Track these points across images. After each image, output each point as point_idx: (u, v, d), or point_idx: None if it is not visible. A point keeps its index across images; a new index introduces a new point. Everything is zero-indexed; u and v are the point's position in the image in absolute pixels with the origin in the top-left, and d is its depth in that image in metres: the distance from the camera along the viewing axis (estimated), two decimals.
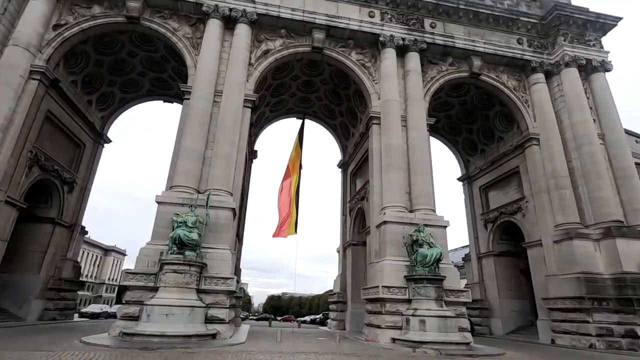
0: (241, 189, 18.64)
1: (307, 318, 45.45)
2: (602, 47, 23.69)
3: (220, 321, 13.82)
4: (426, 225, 16.87)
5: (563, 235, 19.19)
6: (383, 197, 18.40)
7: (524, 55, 23.13)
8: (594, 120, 21.75)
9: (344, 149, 28.07)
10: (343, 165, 27.63)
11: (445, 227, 17.77)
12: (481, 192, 27.40)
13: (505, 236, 25.77)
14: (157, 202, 15.45)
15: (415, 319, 14.45)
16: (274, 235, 23.03)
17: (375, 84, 21.18)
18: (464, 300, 16.08)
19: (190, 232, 14.24)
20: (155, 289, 13.57)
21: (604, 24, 23.55)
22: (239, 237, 23.02)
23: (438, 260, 15.61)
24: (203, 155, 17.12)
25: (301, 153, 25.18)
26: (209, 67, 18.44)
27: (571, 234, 18.83)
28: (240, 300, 22.65)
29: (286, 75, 23.78)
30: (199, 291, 13.95)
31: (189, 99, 18.06)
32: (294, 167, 24.86)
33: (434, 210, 18.25)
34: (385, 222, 17.09)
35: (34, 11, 17.74)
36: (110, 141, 25.51)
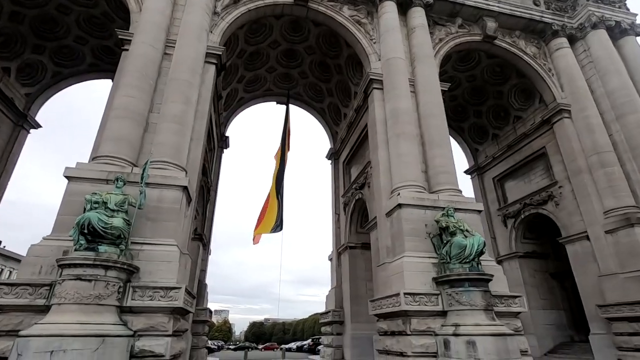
0: (201, 169, 13.71)
1: (293, 345, 39.26)
2: (628, 9, 20.64)
3: (157, 358, 8.56)
4: (455, 210, 12.35)
5: (620, 222, 15.04)
6: (393, 175, 13.87)
7: (543, 17, 19.74)
8: None
9: (333, 136, 23.59)
10: (333, 154, 23.07)
11: (480, 211, 13.34)
12: (496, 184, 23.29)
13: (529, 234, 21.56)
14: (66, 176, 10.32)
15: (458, 341, 9.63)
16: (256, 238, 18.11)
17: (374, 43, 17.06)
18: (518, 310, 11.42)
19: (111, 216, 9.14)
20: (48, 309, 8.28)
21: None
22: (204, 241, 17.80)
23: (480, 253, 11.01)
24: (146, 120, 12.23)
25: (288, 140, 20.54)
26: (159, 7, 13.83)
27: (632, 220, 14.71)
28: (204, 325, 17.17)
29: (263, 40, 19.37)
30: (123, 310, 8.76)
31: (128, 49, 13.26)
32: (278, 157, 20.20)
33: (460, 191, 13.80)
34: (400, 206, 12.45)
35: None
36: (39, 126, 20.11)
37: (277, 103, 23.93)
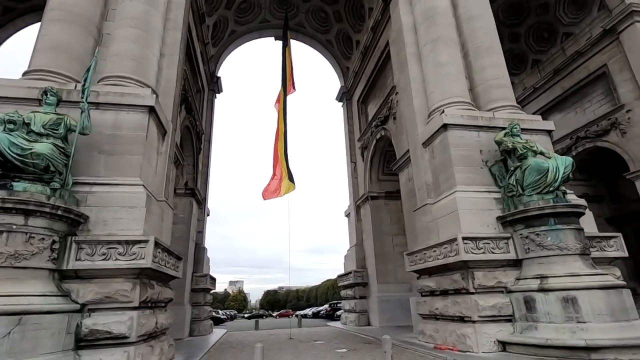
0: (179, 96, 10.62)
1: (309, 311, 37.58)
2: None
3: (117, 340, 5.87)
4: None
5: None
6: (430, 94, 10.63)
7: None
8: None
9: (344, 73, 20.09)
10: (345, 94, 19.68)
11: (550, 131, 10.15)
12: None
13: (579, 175, 18.33)
14: None
15: (550, 298, 6.76)
16: (265, 197, 14.70)
17: None
18: (615, 255, 8.51)
19: (36, 141, 6.17)
20: None
21: None
22: (197, 198, 15.01)
23: (567, 179, 7.94)
24: (97, 28, 9.02)
25: (291, 81, 16.99)
26: None
27: None
28: (205, 294, 14.73)
29: None
30: (66, 275, 6.02)
31: None
32: (280, 105, 16.77)
33: (519, 107, 10.61)
34: (445, 128, 9.30)
35: None
36: None
37: (276, 39, 20.28)
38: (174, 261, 8.13)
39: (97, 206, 6.68)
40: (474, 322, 7.33)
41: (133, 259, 6.25)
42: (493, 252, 7.69)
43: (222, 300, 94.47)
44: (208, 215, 17.71)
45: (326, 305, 30.49)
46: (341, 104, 20.31)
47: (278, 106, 16.44)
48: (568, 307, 6.53)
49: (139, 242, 6.37)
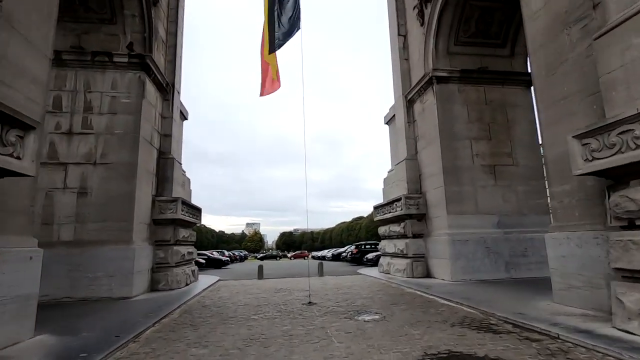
0: None
1: (327, 253, 33.34)
2: None
3: None
4: None
5: None
6: None
7: None
8: None
9: None
10: None
11: None
12: None
13: None
14: None
15: None
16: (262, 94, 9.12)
17: None
18: None
19: None
20: None
21: None
22: (157, 79, 9.23)
23: None
24: None
25: None
26: None
27: None
28: (177, 228, 9.58)
29: None
30: None
31: None
32: None
33: None
34: None
35: None
36: None
37: None
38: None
39: None
40: None
41: None
42: None
43: (239, 240, 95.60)
44: (185, 119, 12.10)
45: (352, 247, 25.68)
46: None
47: None
48: None
49: None
